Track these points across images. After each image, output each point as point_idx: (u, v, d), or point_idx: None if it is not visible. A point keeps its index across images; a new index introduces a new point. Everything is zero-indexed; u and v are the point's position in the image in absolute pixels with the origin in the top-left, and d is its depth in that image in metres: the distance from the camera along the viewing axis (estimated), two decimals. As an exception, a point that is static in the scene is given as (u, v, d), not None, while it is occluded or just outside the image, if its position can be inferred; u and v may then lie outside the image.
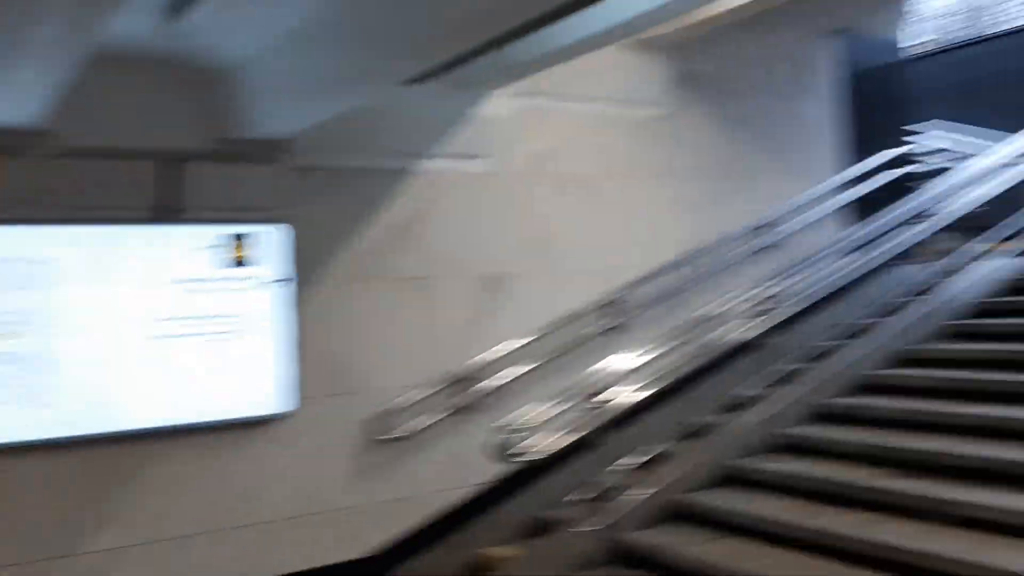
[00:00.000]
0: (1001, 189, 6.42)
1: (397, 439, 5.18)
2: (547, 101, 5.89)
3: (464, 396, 5.40)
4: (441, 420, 5.35)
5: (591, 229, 6.05)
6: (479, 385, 5.42)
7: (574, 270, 5.93)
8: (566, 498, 4.84)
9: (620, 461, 4.92)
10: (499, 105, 5.63)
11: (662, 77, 6.37)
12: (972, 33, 12.68)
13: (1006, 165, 6.56)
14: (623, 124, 6.26)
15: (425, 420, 5.28)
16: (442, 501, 5.41)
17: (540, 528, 5.32)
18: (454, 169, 5.56)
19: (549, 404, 4.82)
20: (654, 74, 6.32)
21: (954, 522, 4.02)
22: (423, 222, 5.43)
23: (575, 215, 6.00)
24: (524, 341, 5.54)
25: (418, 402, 5.24)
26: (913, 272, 6.49)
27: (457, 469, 5.46)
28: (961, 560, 3.65)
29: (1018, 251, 6.51)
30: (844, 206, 7.12)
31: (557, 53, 4.62)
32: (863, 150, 7.37)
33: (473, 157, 5.61)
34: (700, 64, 6.58)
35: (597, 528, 4.65)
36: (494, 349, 5.49)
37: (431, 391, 5.29)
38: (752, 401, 5.38)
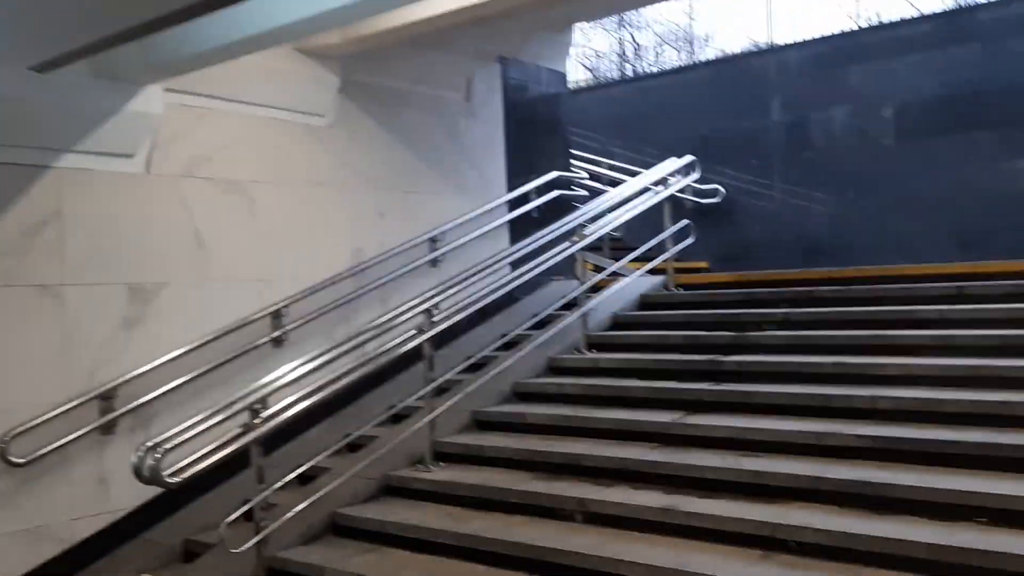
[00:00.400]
0: (636, 213, 7.10)
1: (23, 463, 4.66)
2: (207, 101, 5.63)
3: (108, 414, 5.01)
4: (81, 441, 4.93)
5: (252, 237, 5.85)
6: (124, 401, 5.06)
7: (234, 279, 5.70)
8: (222, 518, 4.60)
9: (280, 477, 4.77)
10: (153, 102, 5.25)
11: (331, 87, 6.32)
12: (623, 73, 14.09)
13: (644, 191, 7.28)
14: (288, 131, 6.13)
15: (60, 441, 4.81)
16: (83, 529, 5.02)
17: (193, 552, 5.05)
18: (100, 167, 5.11)
19: (204, 419, 4.56)
20: (324, 83, 6.25)
21: (593, 520, 4.36)
22: (60, 224, 4.93)
23: (235, 221, 5.78)
24: (177, 353, 5.23)
25: (50, 422, 4.75)
26: (566, 287, 6.99)
27: (100, 493, 5.10)
28: (593, 555, 3.95)
29: (649, 270, 7.25)
30: (509, 223, 7.54)
31: (211, 52, 4.43)
32: (528, 171, 7.85)
33: (123, 155, 5.19)
34: (372, 77, 6.63)
35: (252, 548, 4.47)
36: (144, 362, 5.13)
37: (66, 409, 4.82)
38: (415, 411, 5.47)
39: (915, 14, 10.00)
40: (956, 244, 8.79)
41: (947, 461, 4.10)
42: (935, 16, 9.45)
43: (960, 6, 9.59)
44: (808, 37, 10.34)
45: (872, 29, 9.85)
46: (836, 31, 10.28)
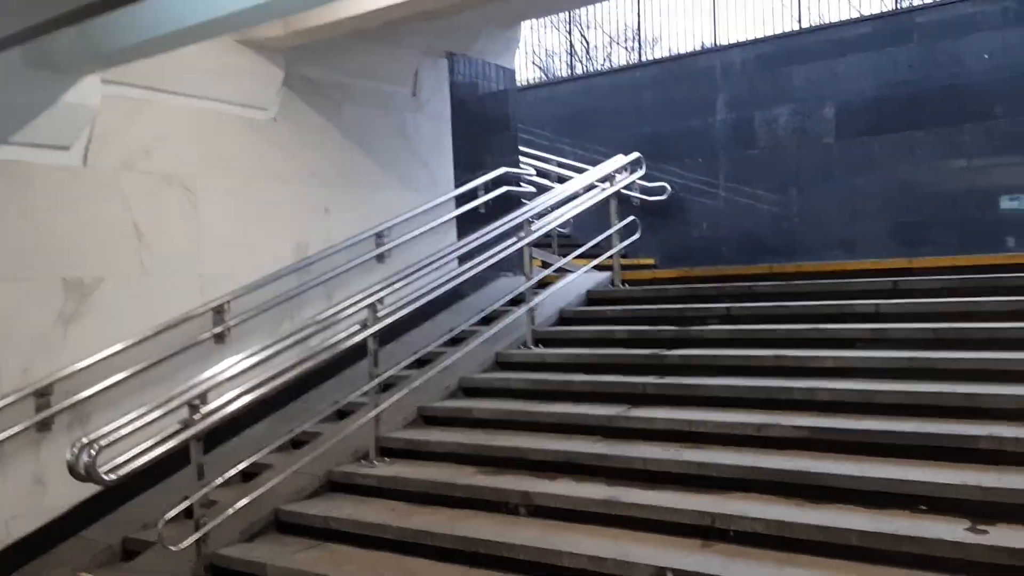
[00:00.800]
0: (583, 209, 7.14)
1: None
2: (147, 93, 5.53)
3: (44, 410, 4.90)
4: (16, 438, 4.83)
5: (193, 231, 5.77)
6: (61, 398, 4.97)
7: (175, 273, 5.61)
8: (162, 516, 4.53)
9: (221, 473, 4.71)
10: (90, 93, 5.13)
11: (275, 80, 6.24)
12: (572, 72, 14.20)
13: (591, 188, 7.33)
14: (230, 124, 6.04)
15: (-7, 439, 4.70)
16: (19, 528, 4.91)
17: (132, 550, 4.97)
18: (35, 159, 4.99)
19: (142, 415, 4.48)
20: (266, 76, 6.17)
21: (537, 512, 4.38)
22: (-8, 216, 4.82)
23: (175, 215, 5.68)
24: (116, 349, 5.14)
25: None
26: (513, 283, 7.01)
27: (36, 491, 5.00)
28: (536, 547, 3.97)
29: (596, 266, 7.30)
30: (456, 218, 7.54)
31: (149, 42, 4.34)
32: (476, 167, 7.85)
33: (59, 147, 5.08)
34: (316, 71, 6.57)
35: (192, 545, 4.41)
36: (81, 358, 5.04)
37: (1, 406, 4.70)
38: (361, 407, 5.44)
39: (856, 15, 10.15)
40: (895, 240, 9.00)
41: (882, 451, 4.20)
42: (875, 17, 9.65)
43: (899, 8, 9.80)
44: (752, 37, 10.47)
45: (814, 30, 10.01)
46: (779, 32, 10.43)
